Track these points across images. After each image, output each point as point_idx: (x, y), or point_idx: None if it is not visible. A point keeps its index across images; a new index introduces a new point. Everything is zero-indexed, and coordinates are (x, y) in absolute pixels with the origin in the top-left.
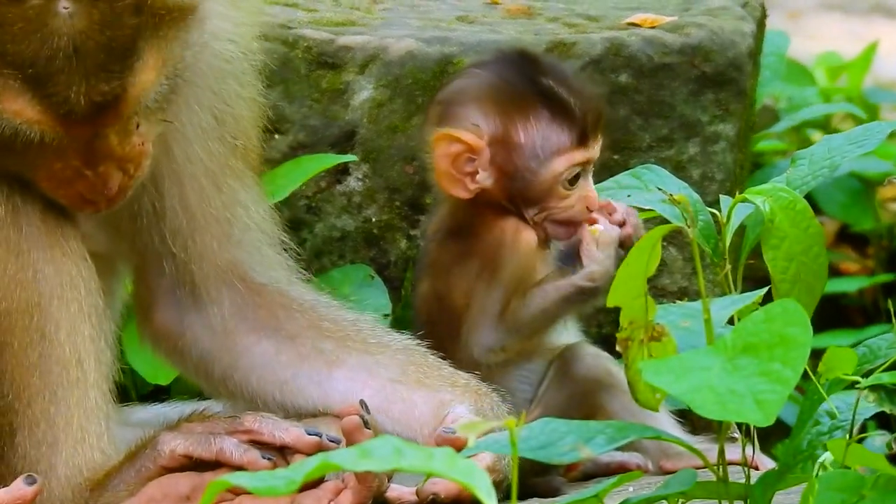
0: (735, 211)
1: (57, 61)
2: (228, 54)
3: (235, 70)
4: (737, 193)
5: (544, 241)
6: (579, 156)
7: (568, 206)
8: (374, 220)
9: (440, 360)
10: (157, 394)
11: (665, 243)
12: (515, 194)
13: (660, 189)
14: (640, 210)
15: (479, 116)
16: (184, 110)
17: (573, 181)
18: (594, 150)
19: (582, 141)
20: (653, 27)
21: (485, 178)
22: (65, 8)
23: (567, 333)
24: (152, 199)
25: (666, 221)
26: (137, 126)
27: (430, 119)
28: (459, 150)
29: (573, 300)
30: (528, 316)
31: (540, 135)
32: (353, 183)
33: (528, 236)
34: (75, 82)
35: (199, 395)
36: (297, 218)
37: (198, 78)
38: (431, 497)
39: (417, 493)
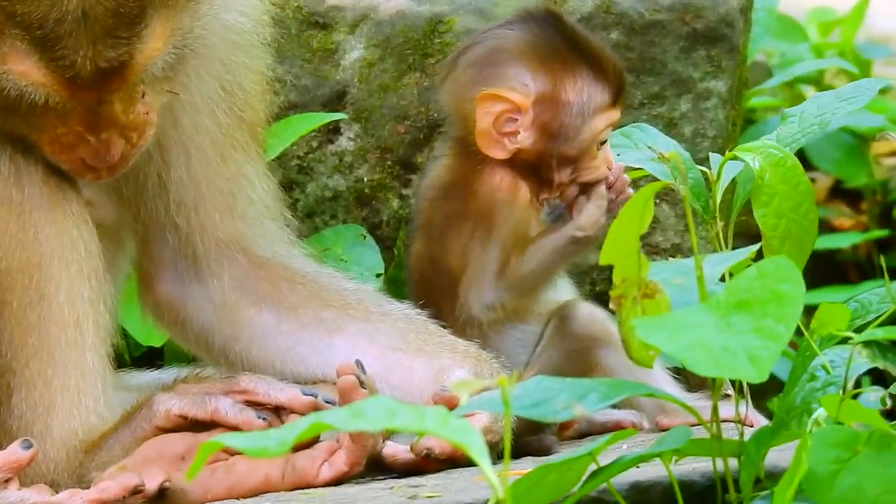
0: (725, 168)
1: (65, 24)
2: (239, 26)
3: (245, 42)
4: (728, 150)
5: (541, 200)
6: (615, 114)
7: (596, 166)
8: (365, 179)
9: (441, 328)
10: (151, 356)
11: (658, 200)
12: (552, 154)
13: (650, 147)
14: (631, 170)
15: (527, 75)
16: (193, 81)
17: (604, 142)
18: (621, 110)
19: (616, 99)
20: None
21: (525, 139)
22: None
23: (561, 292)
24: (158, 169)
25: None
26: (143, 95)
27: (461, 82)
28: (503, 109)
29: (568, 251)
30: (527, 271)
31: (585, 93)
32: (344, 143)
33: (524, 192)
34: (82, 46)
35: (193, 360)
36: (288, 178)
37: (207, 49)
38: (426, 452)
39: (412, 449)
